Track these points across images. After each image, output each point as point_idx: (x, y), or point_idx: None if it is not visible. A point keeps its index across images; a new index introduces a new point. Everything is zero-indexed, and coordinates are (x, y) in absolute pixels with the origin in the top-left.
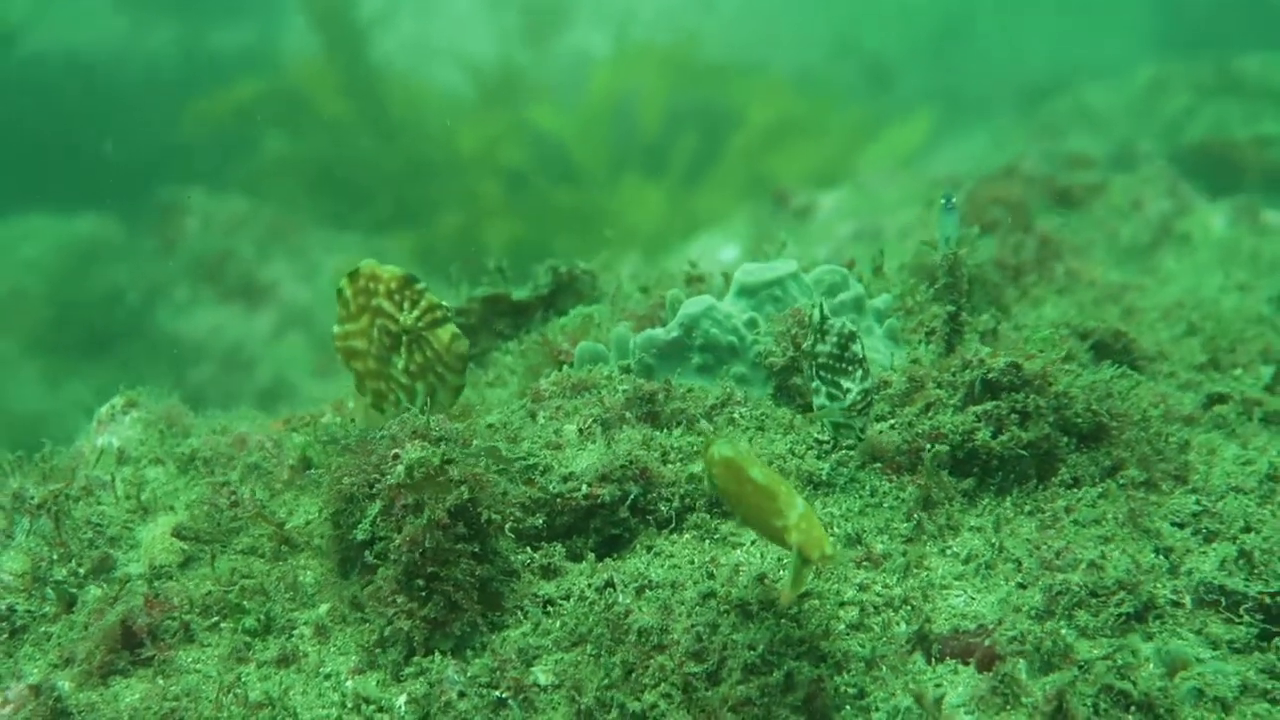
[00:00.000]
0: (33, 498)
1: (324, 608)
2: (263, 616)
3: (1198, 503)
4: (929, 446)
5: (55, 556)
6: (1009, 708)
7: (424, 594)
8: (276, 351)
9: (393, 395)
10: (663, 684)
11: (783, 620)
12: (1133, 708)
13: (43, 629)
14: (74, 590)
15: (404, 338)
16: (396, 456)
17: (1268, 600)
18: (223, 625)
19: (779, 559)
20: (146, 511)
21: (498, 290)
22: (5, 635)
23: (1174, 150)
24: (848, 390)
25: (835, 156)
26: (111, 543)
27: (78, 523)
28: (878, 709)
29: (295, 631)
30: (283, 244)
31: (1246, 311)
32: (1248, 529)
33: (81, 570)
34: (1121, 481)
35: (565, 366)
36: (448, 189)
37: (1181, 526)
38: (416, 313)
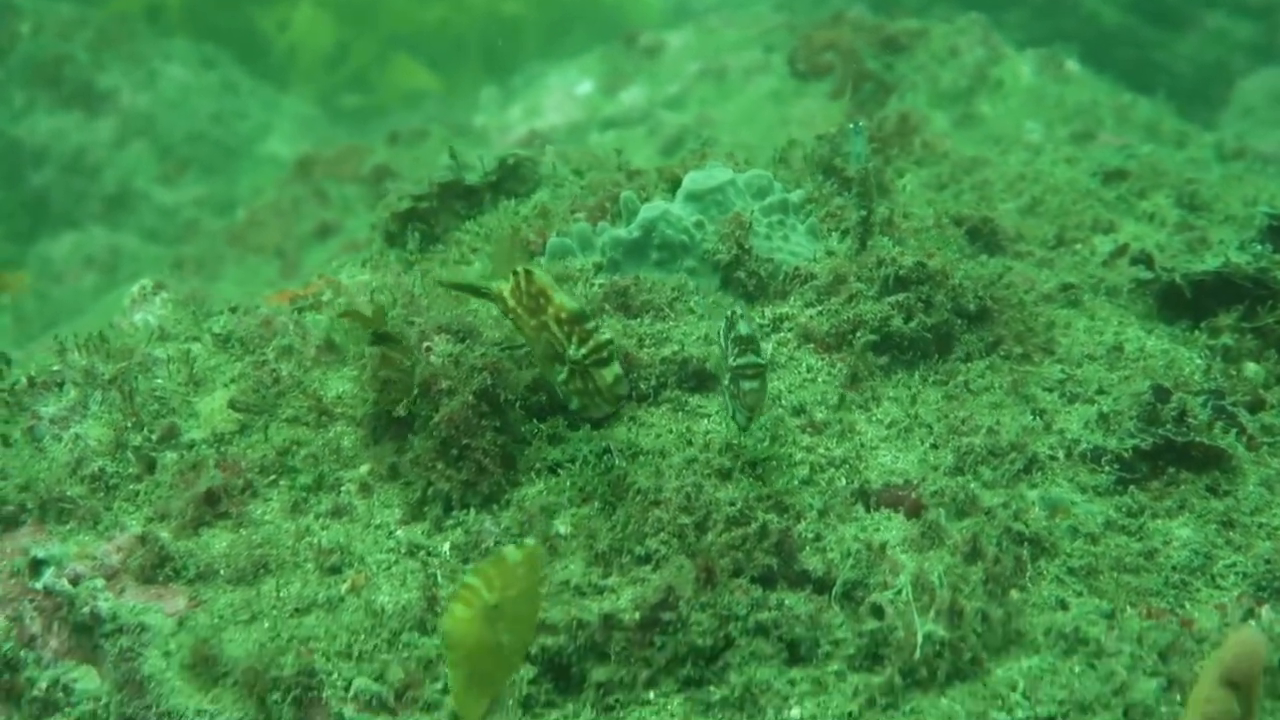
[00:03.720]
0: (103, 373)
1: (364, 468)
2: (314, 476)
3: (1062, 371)
4: (859, 334)
5: (130, 425)
6: (935, 548)
7: (458, 461)
8: (120, 159)
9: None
10: (661, 533)
11: (751, 480)
12: (1025, 544)
13: (130, 487)
14: (151, 454)
15: (569, 364)
16: (429, 349)
17: (1123, 453)
18: (280, 483)
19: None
20: (197, 385)
21: (454, 176)
22: (102, 493)
23: None
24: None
25: None
26: (173, 413)
27: (144, 395)
28: (832, 549)
29: (343, 488)
30: (116, 50)
31: (1076, 184)
32: (1101, 391)
33: (154, 437)
34: (1003, 355)
35: (537, 256)
36: None
37: (1051, 391)
38: (584, 350)
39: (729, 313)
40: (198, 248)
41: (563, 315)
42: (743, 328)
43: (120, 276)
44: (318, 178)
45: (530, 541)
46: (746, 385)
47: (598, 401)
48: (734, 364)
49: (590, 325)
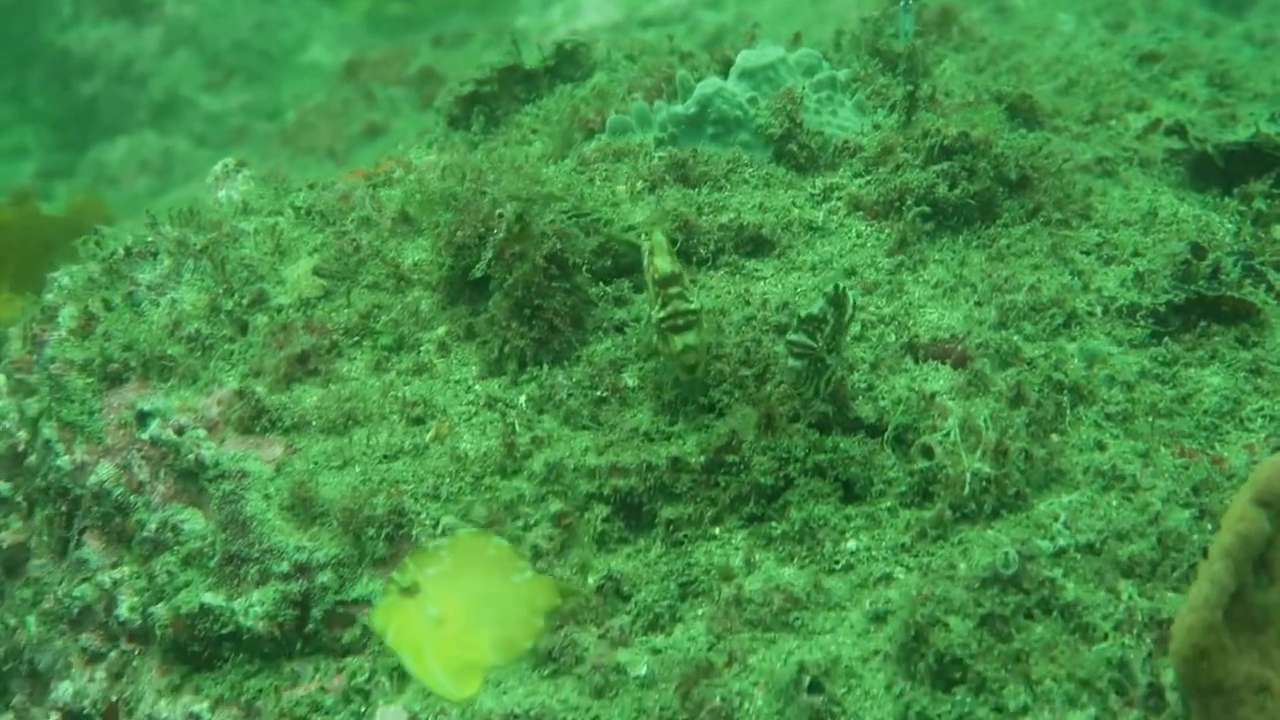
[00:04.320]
0: (195, 243)
1: (442, 329)
2: (395, 337)
3: (1099, 235)
4: (908, 203)
5: (222, 290)
6: (980, 395)
7: (530, 320)
8: (166, 67)
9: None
10: (723, 384)
11: (804, 334)
12: (1065, 391)
13: (225, 347)
14: (243, 318)
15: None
16: (501, 216)
17: (1158, 308)
18: (363, 344)
19: (795, 288)
20: (282, 254)
21: (513, 61)
22: (199, 352)
23: None
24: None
25: None
26: (261, 279)
27: (233, 264)
28: (883, 398)
29: (422, 348)
30: None
31: (1110, 65)
32: (1136, 254)
33: (244, 302)
34: (1043, 220)
35: (596, 134)
36: None
37: (1088, 254)
38: (663, 314)
39: (834, 286)
40: (250, 149)
41: (656, 275)
42: (814, 307)
43: (174, 179)
44: (365, 80)
45: (464, 531)
46: (790, 362)
47: (671, 366)
48: (788, 336)
49: (675, 290)
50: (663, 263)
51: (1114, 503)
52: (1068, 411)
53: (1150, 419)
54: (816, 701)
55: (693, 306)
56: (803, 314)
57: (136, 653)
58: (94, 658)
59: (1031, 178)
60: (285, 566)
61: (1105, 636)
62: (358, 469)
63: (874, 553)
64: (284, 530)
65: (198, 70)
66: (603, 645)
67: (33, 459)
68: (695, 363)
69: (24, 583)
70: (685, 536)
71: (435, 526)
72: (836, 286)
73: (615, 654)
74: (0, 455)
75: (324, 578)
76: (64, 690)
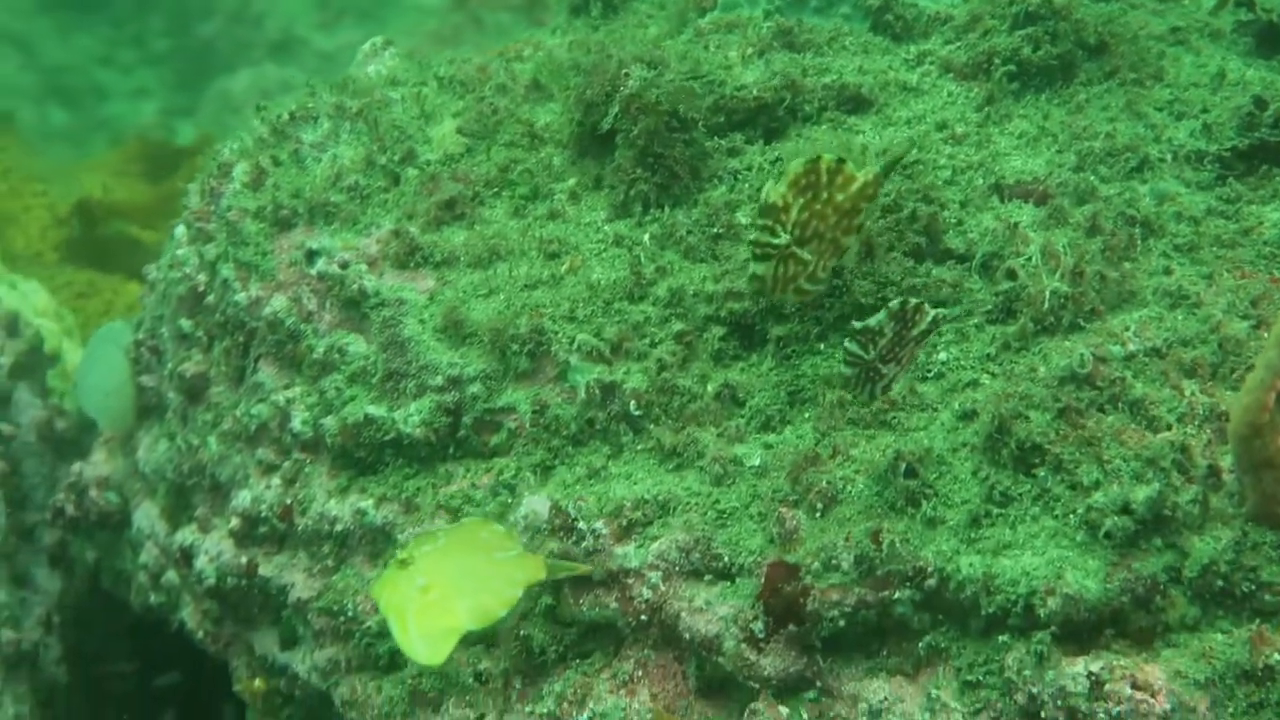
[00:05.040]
0: (350, 107)
1: (572, 180)
2: (531, 187)
3: (1171, 94)
4: (995, 63)
5: (376, 148)
6: (1060, 226)
7: (654, 167)
8: (281, 7)
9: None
10: None
11: (903, 178)
12: (1137, 225)
13: (380, 196)
14: (395, 171)
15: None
16: (627, 75)
17: (1223, 154)
18: (502, 194)
19: (891, 140)
20: (428, 117)
21: None
22: (358, 200)
23: None
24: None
25: None
26: (410, 139)
27: (385, 125)
28: (971, 231)
29: (554, 197)
30: None
31: None
32: (1205, 110)
33: (396, 158)
34: (1119, 81)
35: (709, 11)
36: None
37: (1161, 110)
38: (751, 239)
39: (900, 301)
40: None
41: (760, 200)
42: (873, 320)
43: None
44: (474, 8)
45: (467, 519)
46: (840, 368)
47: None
48: (845, 343)
49: (765, 222)
50: (771, 191)
51: (1180, 316)
52: (1139, 243)
53: (1214, 249)
54: (912, 484)
55: (776, 241)
56: (859, 325)
57: (308, 461)
58: (269, 468)
59: (1109, 42)
60: (439, 380)
61: (1169, 426)
62: (502, 296)
63: (962, 362)
64: (438, 349)
65: (310, 10)
66: (720, 442)
67: (211, 298)
68: (760, 290)
69: (205, 408)
70: (793, 351)
71: (571, 343)
72: (904, 302)
73: (732, 449)
74: (182, 296)
75: (473, 389)
76: (243, 498)
